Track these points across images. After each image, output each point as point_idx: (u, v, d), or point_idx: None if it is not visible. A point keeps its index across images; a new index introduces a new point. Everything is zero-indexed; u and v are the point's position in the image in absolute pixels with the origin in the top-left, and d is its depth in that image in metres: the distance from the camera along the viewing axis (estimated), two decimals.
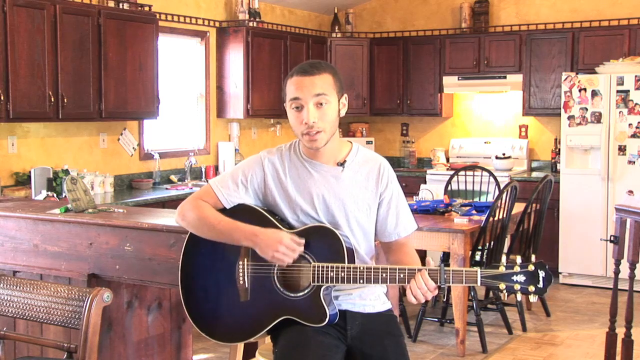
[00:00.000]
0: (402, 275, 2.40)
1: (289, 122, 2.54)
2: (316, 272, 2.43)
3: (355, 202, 2.55)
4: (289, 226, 2.54)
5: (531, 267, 2.35)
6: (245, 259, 2.52)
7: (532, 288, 2.34)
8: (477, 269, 2.37)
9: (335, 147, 2.57)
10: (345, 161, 2.57)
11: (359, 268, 2.43)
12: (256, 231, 2.46)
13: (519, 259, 2.38)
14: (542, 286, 2.34)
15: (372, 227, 2.62)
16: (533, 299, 2.38)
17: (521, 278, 2.35)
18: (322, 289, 2.45)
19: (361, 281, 2.42)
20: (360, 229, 2.57)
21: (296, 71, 2.51)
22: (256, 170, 2.57)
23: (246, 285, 2.52)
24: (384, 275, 2.41)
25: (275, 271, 2.49)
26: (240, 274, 2.53)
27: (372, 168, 2.60)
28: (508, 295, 2.38)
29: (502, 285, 2.35)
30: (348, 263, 2.44)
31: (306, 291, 2.46)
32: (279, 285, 2.49)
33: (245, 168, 2.59)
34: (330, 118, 2.49)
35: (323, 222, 2.52)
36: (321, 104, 2.47)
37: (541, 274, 2.34)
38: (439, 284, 2.37)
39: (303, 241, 2.44)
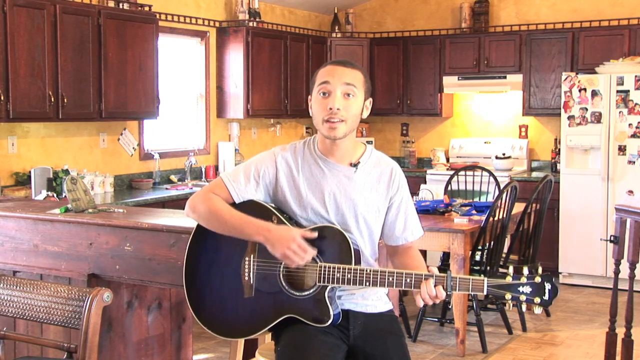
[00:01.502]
0: (408, 280, 2.41)
1: (312, 111, 2.55)
2: (322, 273, 2.43)
3: (365, 204, 2.56)
4: (298, 225, 2.54)
5: (538, 279, 2.36)
6: (252, 255, 2.51)
7: (537, 299, 2.35)
8: (485, 278, 2.38)
9: (350, 147, 2.58)
10: (359, 162, 2.58)
11: (366, 270, 2.43)
12: (269, 226, 2.45)
13: (525, 270, 2.39)
14: (547, 298, 2.35)
15: (379, 230, 2.63)
16: (537, 310, 2.39)
17: (527, 289, 2.36)
18: (327, 289, 2.45)
19: (367, 284, 2.43)
20: (368, 230, 2.58)
21: (330, 62, 2.57)
22: (268, 166, 2.57)
23: (251, 282, 2.52)
24: (391, 279, 2.41)
25: (281, 269, 2.49)
26: (246, 270, 2.52)
27: (384, 171, 2.62)
28: (513, 306, 2.40)
29: (508, 295, 2.37)
30: (355, 265, 2.44)
31: (311, 291, 2.46)
32: (284, 283, 2.49)
33: (258, 163, 2.59)
34: (353, 111, 2.52)
35: (332, 222, 2.52)
36: (348, 94, 2.50)
37: (547, 286, 2.35)
38: (446, 291, 2.38)
39: (316, 234, 2.44)
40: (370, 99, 2.60)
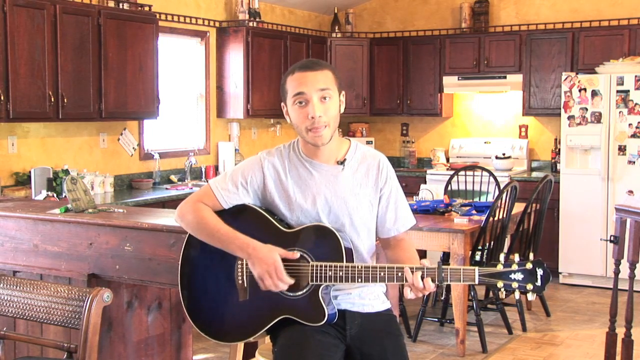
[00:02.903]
0: (400, 274, 2.40)
1: (291, 119, 2.54)
2: (315, 272, 2.43)
3: (357, 200, 2.55)
4: (288, 226, 2.54)
5: (529, 265, 2.35)
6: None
7: (530, 286, 2.34)
8: (475, 267, 2.37)
9: (334, 145, 2.57)
10: (345, 159, 2.57)
11: (357, 267, 2.43)
12: (254, 245, 2.45)
13: (516, 257, 2.38)
14: (540, 284, 2.34)
15: (374, 224, 2.62)
16: (531, 297, 2.38)
17: (519, 276, 2.34)
18: (320, 288, 2.45)
19: (359, 280, 2.42)
20: (364, 227, 2.58)
21: (297, 68, 2.52)
22: (256, 172, 2.57)
23: (245, 285, 2.52)
24: (382, 274, 2.41)
25: None
26: (239, 274, 2.52)
27: (371, 164, 2.61)
28: (506, 294, 2.38)
29: (500, 284, 2.35)
30: (346, 262, 2.44)
31: (305, 290, 2.46)
32: None
33: (245, 170, 2.58)
34: (333, 113, 2.51)
35: (322, 222, 2.52)
36: (325, 98, 2.48)
37: (539, 272, 2.34)
38: (436, 282, 2.38)
39: (298, 255, 2.44)
40: (343, 92, 2.59)
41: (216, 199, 2.56)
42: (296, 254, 2.44)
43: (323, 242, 2.47)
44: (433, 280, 2.37)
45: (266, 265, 2.40)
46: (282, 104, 2.58)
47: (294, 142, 2.62)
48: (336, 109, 2.53)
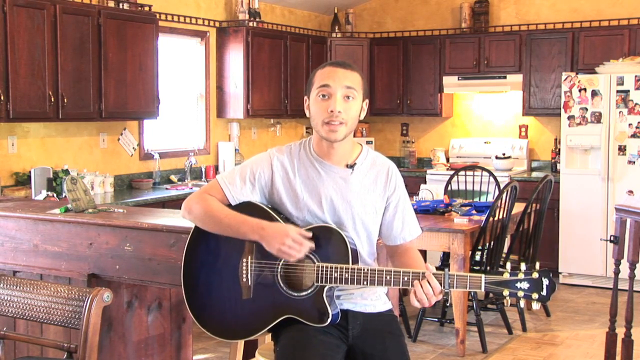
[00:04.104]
0: (406, 278, 2.40)
1: (310, 113, 2.54)
2: (320, 272, 2.43)
3: (362, 205, 2.55)
4: (294, 225, 2.53)
5: (535, 275, 2.35)
6: (250, 257, 2.52)
7: (535, 295, 2.35)
8: (482, 275, 2.37)
9: (347, 148, 2.58)
10: (355, 163, 2.58)
11: (363, 269, 2.43)
12: (264, 224, 2.45)
13: (523, 266, 2.39)
14: (545, 294, 2.35)
15: (377, 230, 2.63)
16: (536, 306, 2.39)
17: (525, 285, 2.35)
18: (325, 289, 2.45)
19: (365, 283, 2.42)
20: (365, 232, 2.58)
21: (329, 63, 2.56)
22: (264, 169, 2.57)
23: (249, 283, 2.52)
24: (388, 277, 2.41)
25: (279, 270, 2.49)
26: (244, 272, 2.53)
27: (380, 171, 2.61)
28: (511, 305, 2.40)
29: (506, 292, 2.36)
30: (352, 264, 2.44)
31: (309, 291, 2.46)
32: (282, 284, 2.49)
33: (254, 166, 2.59)
34: (353, 114, 2.52)
35: (328, 223, 2.52)
36: (348, 97, 2.50)
37: (545, 282, 2.35)
38: (443, 288, 2.38)
39: (310, 234, 2.44)
40: (367, 100, 2.60)
41: (223, 193, 2.56)
42: (309, 233, 2.43)
43: (329, 243, 2.47)
44: (441, 284, 2.38)
45: (280, 238, 2.40)
46: (305, 97, 2.59)
47: (306, 140, 2.62)
48: (357, 112, 2.54)
